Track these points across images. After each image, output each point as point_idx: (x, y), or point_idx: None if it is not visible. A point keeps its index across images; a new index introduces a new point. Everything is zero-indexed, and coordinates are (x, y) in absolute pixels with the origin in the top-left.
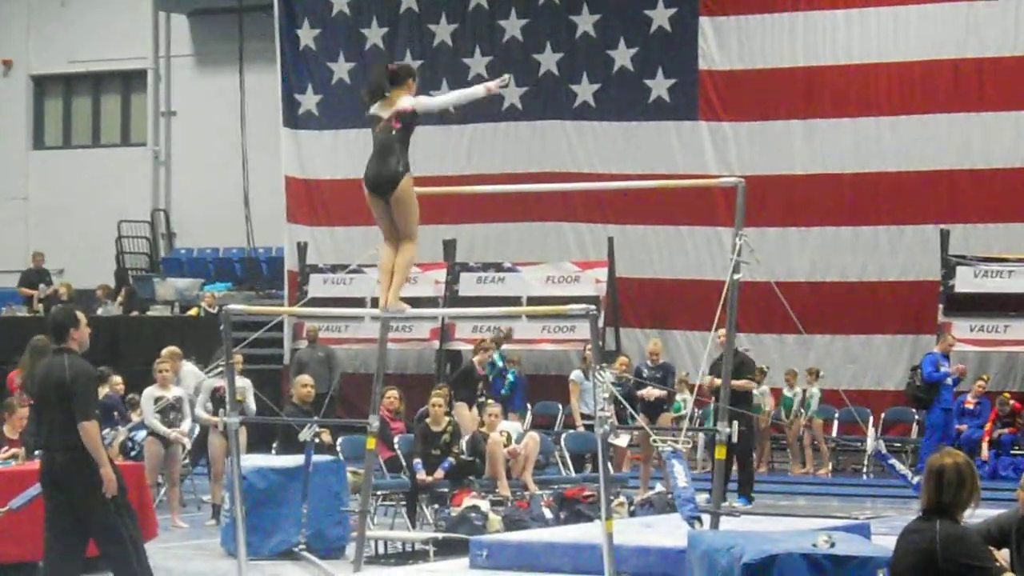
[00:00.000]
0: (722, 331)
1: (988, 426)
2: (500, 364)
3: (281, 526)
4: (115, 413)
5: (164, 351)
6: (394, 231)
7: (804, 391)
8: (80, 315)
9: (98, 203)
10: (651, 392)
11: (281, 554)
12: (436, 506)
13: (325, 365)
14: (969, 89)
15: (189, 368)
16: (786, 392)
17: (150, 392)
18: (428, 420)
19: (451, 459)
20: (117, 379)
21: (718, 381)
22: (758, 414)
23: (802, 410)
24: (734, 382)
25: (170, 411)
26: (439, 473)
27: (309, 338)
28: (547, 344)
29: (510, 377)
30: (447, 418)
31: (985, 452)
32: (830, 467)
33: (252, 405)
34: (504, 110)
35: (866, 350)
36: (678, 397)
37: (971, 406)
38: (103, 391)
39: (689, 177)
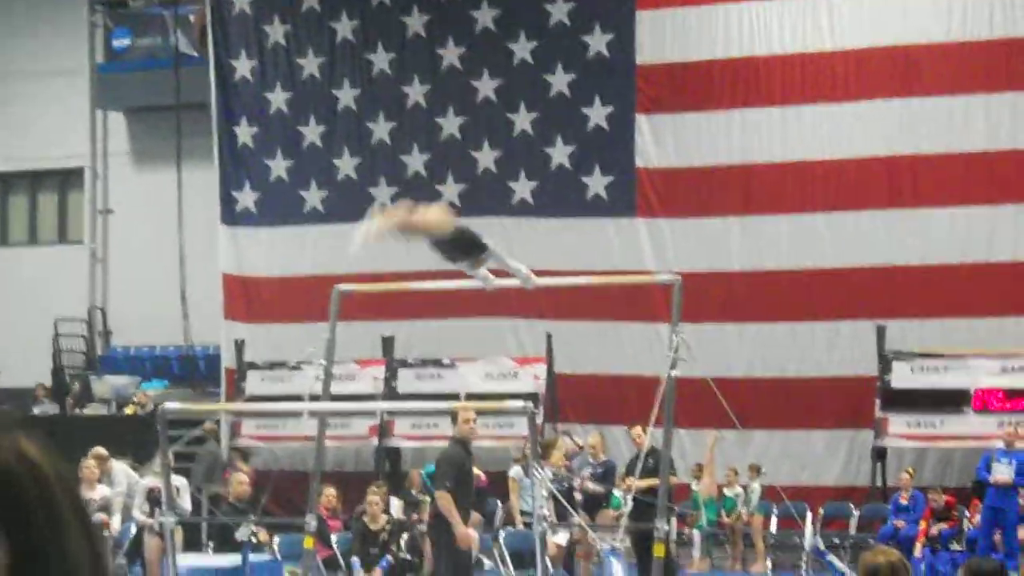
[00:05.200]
0: (637, 429)
1: (923, 524)
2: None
3: None
4: None
5: (91, 452)
6: None
7: (745, 488)
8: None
9: (35, 301)
10: (585, 484)
11: None
12: None
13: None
14: (903, 185)
15: (120, 467)
16: (727, 492)
17: None
18: (366, 518)
19: (389, 557)
20: None
21: (639, 483)
22: (695, 510)
23: (743, 507)
24: (642, 482)
25: (100, 512)
26: (377, 572)
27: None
28: (486, 440)
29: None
30: (385, 516)
31: (918, 550)
32: (768, 563)
33: (187, 504)
34: None
35: (804, 445)
36: (616, 493)
37: (904, 502)
38: None
39: (627, 273)
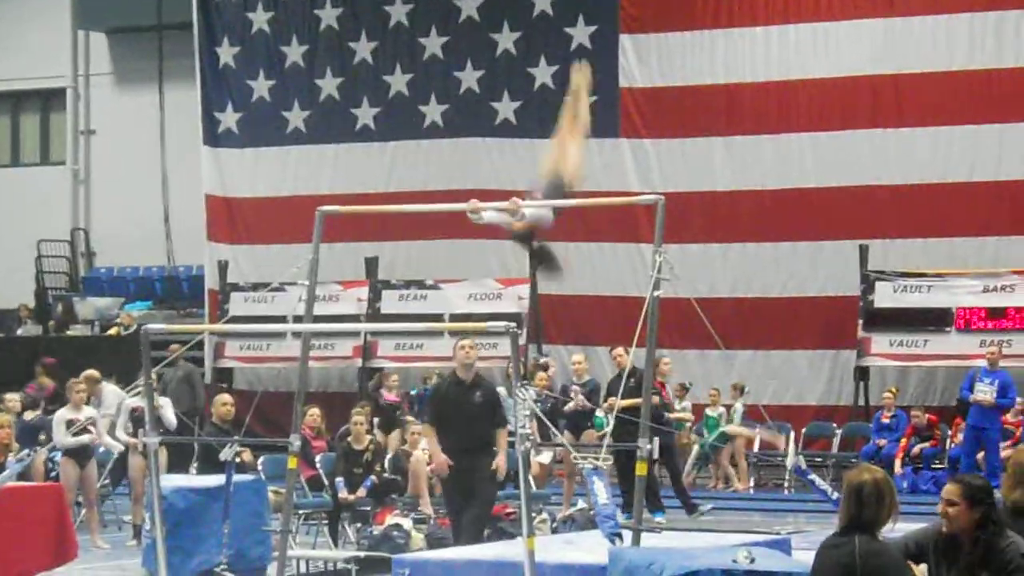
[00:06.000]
0: (618, 349)
1: (904, 441)
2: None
3: (202, 546)
4: (41, 435)
5: (83, 374)
6: None
7: (728, 407)
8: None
9: (17, 222)
10: (581, 402)
11: (202, 574)
12: (359, 525)
13: (186, 383)
14: (887, 105)
15: (111, 388)
16: (709, 412)
17: (62, 414)
18: (350, 438)
19: (373, 477)
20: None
21: (621, 402)
22: (679, 430)
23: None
24: (624, 402)
25: (85, 433)
26: (361, 491)
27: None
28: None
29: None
30: (368, 436)
31: (898, 467)
32: (751, 483)
33: (172, 419)
34: (425, 127)
35: (787, 365)
36: (599, 413)
37: (887, 420)
38: (33, 413)
39: (611, 194)
